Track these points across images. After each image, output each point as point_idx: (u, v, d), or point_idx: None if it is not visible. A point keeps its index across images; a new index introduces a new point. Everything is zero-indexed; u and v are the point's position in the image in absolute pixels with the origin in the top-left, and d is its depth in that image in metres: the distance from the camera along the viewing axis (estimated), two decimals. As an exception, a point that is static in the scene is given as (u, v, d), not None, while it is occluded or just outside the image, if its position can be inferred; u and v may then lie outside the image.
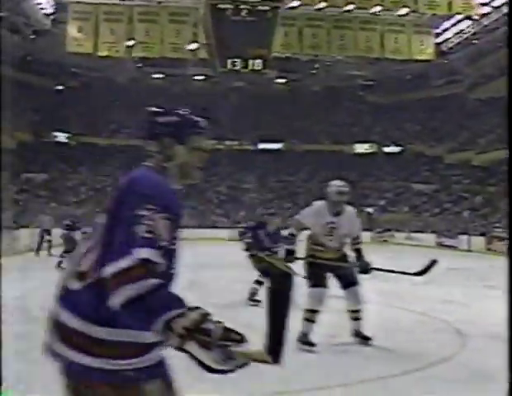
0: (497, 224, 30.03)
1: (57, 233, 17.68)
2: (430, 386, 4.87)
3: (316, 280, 6.26)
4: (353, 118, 50.76)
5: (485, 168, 38.52)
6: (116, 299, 1.77)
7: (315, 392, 4.78)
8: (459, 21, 45.98)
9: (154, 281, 1.77)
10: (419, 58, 51.21)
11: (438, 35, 49.32)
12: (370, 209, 37.20)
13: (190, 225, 36.78)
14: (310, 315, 6.19)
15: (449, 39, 48.78)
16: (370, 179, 43.71)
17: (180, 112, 2.24)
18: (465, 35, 47.16)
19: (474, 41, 47.04)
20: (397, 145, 47.14)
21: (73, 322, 1.93)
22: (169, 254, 1.96)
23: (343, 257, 6.54)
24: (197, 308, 1.75)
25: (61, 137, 46.23)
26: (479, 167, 39.31)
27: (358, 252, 6.43)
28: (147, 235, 1.83)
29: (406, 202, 40.64)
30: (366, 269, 6.21)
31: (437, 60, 49.94)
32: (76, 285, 1.97)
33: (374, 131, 49.14)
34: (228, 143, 48.16)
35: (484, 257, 22.50)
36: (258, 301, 9.08)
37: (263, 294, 8.49)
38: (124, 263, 1.78)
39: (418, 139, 46.51)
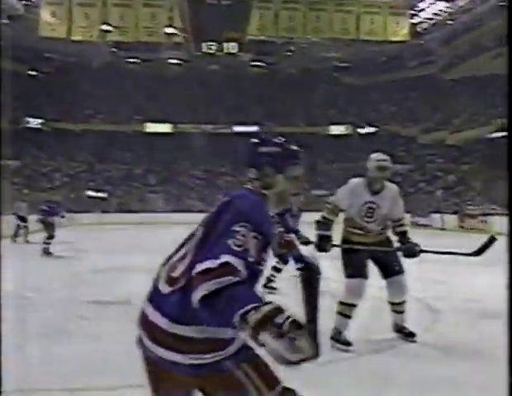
0: (470, 202, 30.43)
1: (32, 219, 17.54)
2: (405, 363, 4.86)
3: (354, 269, 5.42)
4: (328, 100, 50.85)
5: (459, 147, 38.89)
6: (198, 294, 1.89)
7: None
8: (434, 3, 46.15)
9: (232, 278, 1.89)
10: (394, 39, 51.38)
11: (413, 16, 49.50)
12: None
13: (165, 209, 36.78)
14: (346, 309, 5.38)
15: (424, 20, 48.98)
16: (345, 160, 43.88)
17: (281, 143, 2.37)
18: (440, 16, 47.38)
19: (448, 22, 47.27)
20: (372, 126, 47.36)
21: (162, 322, 2.11)
22: (253, 271, 2.07)
23: (386, 242, 5.65)
24: (271, 302, 1.84)
25: (34, 123, 45.77)
26: (453, 147, 39.70)
27: (403, 235, 5.51)
28: (236, 248, 1.97)
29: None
30: (414, 252, 5.26)
31: (412, 41, 50.18)
32: (167, 289, 2.14)
33: (349, 113, 49.30)
34: (203, 126, 48.04)
35: (457, 235, 22.78)
36: (274, 288, 8.53)
37: (279, 281, 8.33)
38: (209, 264, 1.92)
39: (393, 120, 46.75)
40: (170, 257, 2.28)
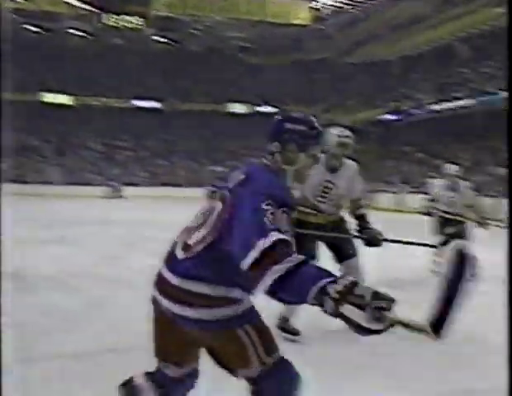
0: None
1: None
2: (356, 351, 4.53)
3: (304, 251, 4.06)
4: (231, 79, 51.27)
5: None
6: (266, 282, 1.93)
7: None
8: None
9: (298, 256, 1.97)
10: (297, 22, 52.42)
11: (314, 1, 50.71)
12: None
13: (62, 182, 36.34)
14: None
15: (327, 5, 50.30)
16: (244, 138, 44.59)
17: (307, 121, 2.40)
18: (341, 3, 48.85)
19: (349, 9, 48.78)
20: (273, 106, 48.27)
21: (174, 279, 2.23)
22: None
23: (340, 223, 5.05)
24: (344, 276, 1.89)
25: None
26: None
27: (362, 218, 4.90)
28: (272, 226, 2.03)
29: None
30: (377, 240, 4.67)
31: (314, 25, 51.42)
32: (182, 255, 2.25)
33: (252, 92, 49.92)
34: (104, 99, 47.47)
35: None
36: None
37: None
38: (260, 249, 1.97)
39: (294, 100, 47.69)
40: (188, 226, 2.37)
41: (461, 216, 8.24)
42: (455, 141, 34.14)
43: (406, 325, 1.89)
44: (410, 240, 4.82)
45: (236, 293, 2.23)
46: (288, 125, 2.35)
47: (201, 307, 2.18)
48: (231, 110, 49.35)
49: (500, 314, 6.14)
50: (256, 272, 1.96)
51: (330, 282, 1.84)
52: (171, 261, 2.29)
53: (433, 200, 8.60)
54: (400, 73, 41.53)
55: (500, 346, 3.96)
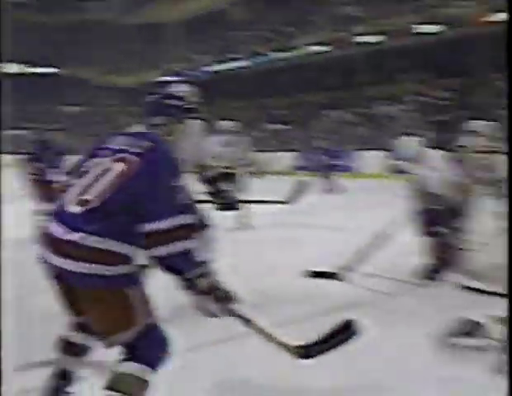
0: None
1: None
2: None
3: None
4: (7, 35, 48.13)
5: (130, 90, 40.17)
6: (164, 251, 2.23)
7: None
8: None
9: (194, 243, 2.30)
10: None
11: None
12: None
13: None
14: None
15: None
16: (19, 100, 42.49)
17: (184, 96, 2.82)
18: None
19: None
20: (51, 66, 46.49)
21: (70, 235, 2.23)
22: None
23: None
24: (213, 272, 2.35)
25: None
26: (124, 89, 41.73)
27: (212, 182, 4.56)
28: (184, 202, 2.35)
29: (55, 124, 40.47)
30: (233, 203, 4.49)
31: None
32: (77, 210, 2.27)
33: (27, 51, 47.43)
34: None
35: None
36: None
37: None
38: (170, 224, 2.23)
39: (72, 62, 46.19)
40: (74, 185, 2.40)
41: (237, 169, 8.76)
42: (232, 100, 35.51)
43: (270, 337, 2.35)
44: (262, 199, 5.07)
45: (129, 251, 2.31)
46: (168, 101, 2.74)
47: (95, 262, 2.21)
48: (5, 71, 46.48)
49: (278, 258, 6.67)
50: (157, 239, 2.23)
51: (205, 272, 2.28)
52: (63, 218, 2.31)
53: (211, 157, 8.97)
54: (179, 35, 41.91)
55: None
